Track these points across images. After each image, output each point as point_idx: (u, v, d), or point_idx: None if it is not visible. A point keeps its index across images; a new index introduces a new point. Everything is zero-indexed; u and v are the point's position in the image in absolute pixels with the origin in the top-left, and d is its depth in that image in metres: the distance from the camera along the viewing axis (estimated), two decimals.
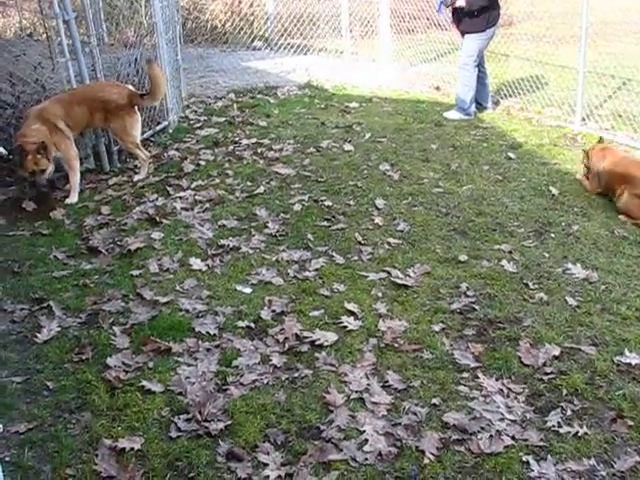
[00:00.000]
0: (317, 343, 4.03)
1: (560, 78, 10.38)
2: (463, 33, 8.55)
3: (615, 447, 3.31)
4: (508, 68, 10.55)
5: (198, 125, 8.38)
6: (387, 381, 3.73)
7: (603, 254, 5.16)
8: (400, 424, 3.43)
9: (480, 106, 8.96)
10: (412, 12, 11.49)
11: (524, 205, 5.96)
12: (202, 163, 7.03)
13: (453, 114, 8.71)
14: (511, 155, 7.25)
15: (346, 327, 4.18)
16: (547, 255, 5.13)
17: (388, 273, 4.80)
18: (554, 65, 10.79)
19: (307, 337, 4.08)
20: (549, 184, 6.43)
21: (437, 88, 10.24)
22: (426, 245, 5.23)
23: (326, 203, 5.92)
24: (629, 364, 3.86)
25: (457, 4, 8.24)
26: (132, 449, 3.24)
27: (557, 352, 3.95)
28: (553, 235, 5.45)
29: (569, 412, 3.51)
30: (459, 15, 8.42)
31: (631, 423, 3.43)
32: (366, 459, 3.21)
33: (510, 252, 5.14)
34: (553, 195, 6.19)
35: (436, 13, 10.00)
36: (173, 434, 3.35)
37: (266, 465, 3.16)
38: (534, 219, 5.71)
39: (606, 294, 4.60)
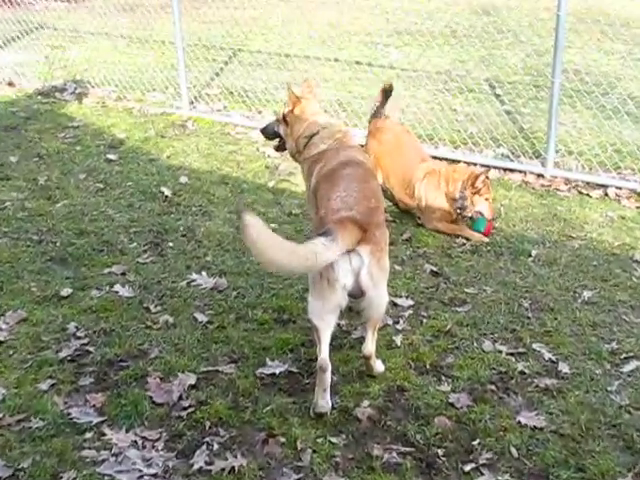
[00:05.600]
0: None
1: (162, 56, 10.82)
2: None
3: (271, 471, 3.58)
4: (95, 51, 10.72)
5: None
6: None
7: (230, 255, 5.53)
8: None
9: None
10: None
11: (134, 214, 6.14)
12: None
13: None
14: (112, 157, 7.42)
15: None
16: (168, 269, 5.35)
17: None
18: (153, 41, 11.23)
19: None
20: (160, 184, 6.72)
21: (10, 84, 10.03)
22: (18, 285, 5.10)
23: None
24: (273, 374, 4.21)
25: None
26: None
27: (193, 380, 4.14)
28: (172, 244, 5.69)
29: (216, 446, 3.71)
30: None
31: (283, 440, 3.75)
32: None
33: (124, 274, 5.26)
34: (166, 197, 6.48)
35: None
36: None
37: None
38: (148, 229, 5.91)
39: (239, 300, 4.94)
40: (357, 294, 3.79)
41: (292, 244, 3.64)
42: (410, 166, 6.21)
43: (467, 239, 5.87)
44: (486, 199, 5.92)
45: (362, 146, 5.97)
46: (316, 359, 3.89)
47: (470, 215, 5.94)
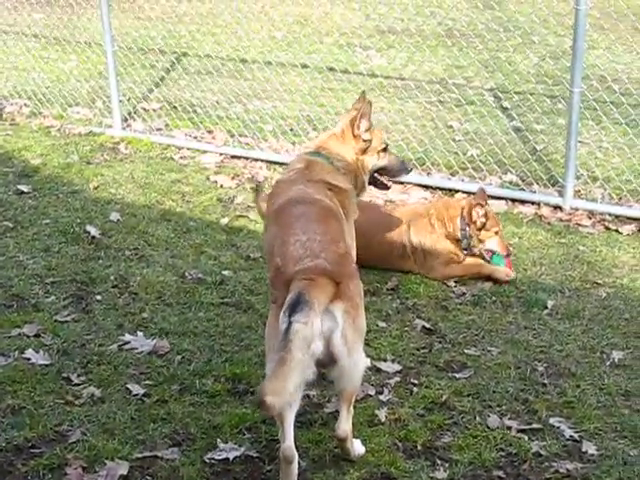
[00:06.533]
0: None
1: (88, 62, 10.85)
2: None
3: None
4: (1, 54, 10.75)
5: None
6: None
7: (173, 311, 5.55)
8: None
9: None
10: None
11: (52, 260, 6.15)
12: None
13: None
14: (23, 188, 7.45)
15: None
16: (94, 328, 5.34)
17: None
18: (76, 42, 11.26)
19: None
20: (85, 222, 6.73)
21: None
22: None
23: None
24: (225, 460, 4.17)
25: None
26: None
27: (125, 470, 4.10)
28: (99, 297, 5.69)
29: None
30: None
31: None
32: None
33: (38, 335, 5.23)
34: (93, 238, 6.50)
35: None
36: None
37: None
38: (69, 278, 5.92)
39: (184, 367, 4.92)
40: (327, 362, 3.72)
41: (279, 360, 3.48)
42: (384, 225, 6.16)
43: (491, 280, 5.98)
44: (495, 232, 5.99)
45: None
46: (280, 441, 3.88)
47: (479, 254, 6.01)
